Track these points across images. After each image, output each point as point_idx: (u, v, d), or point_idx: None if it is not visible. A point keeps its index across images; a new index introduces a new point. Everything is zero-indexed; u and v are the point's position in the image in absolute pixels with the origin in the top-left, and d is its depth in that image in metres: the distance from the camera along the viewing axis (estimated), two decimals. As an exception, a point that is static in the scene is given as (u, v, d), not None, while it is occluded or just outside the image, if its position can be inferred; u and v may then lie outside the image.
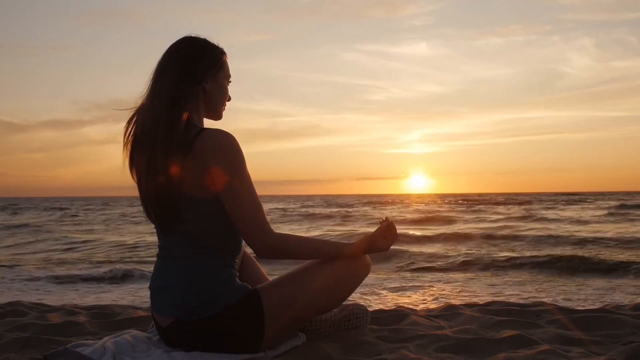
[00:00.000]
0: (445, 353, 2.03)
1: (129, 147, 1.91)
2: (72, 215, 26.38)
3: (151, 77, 1.89)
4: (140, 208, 1.94)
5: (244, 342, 1.89)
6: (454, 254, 8.76)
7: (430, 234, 12.55)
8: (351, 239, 8.77)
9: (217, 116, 2.01)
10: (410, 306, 3.72)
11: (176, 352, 1.90)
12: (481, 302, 3.38)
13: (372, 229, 2.10)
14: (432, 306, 4.03)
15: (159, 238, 1.95)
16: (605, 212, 21.26)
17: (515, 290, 5.55)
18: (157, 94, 1.84)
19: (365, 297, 4.99)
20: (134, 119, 1.92)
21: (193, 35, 1.95)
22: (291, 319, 1.96)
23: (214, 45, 1.95)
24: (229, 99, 2.02)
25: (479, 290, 5.60)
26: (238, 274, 1.99)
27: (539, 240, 10.86)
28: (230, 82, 2.01)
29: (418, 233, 12.99)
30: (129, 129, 1.92)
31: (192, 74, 1.87)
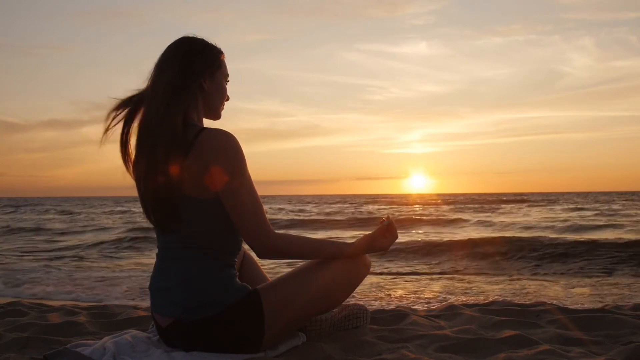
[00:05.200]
0: (445, 353, 2.03)
1: (127, 146, 1.91)
2: None
3: (149, 77, 1.89)
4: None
5: (244, 342, 1.89)
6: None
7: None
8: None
9: (216, 116, 2.01)
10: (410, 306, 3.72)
11: (176, 352, 1.90)
12: (481, 302, 3.38)
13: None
14: (432, 306, 4.03)
15: (158, 238, 1.95)
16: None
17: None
18: (156, 94, 1.84)
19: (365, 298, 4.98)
20: (132, 118, 1.92)
21: (190, 35, 1.94)
22: (291, 319, 1.96)
23: (212, 45, 1.95)
24: (228, 99, 2.02)
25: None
26: (238, 274, 1.99)
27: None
28: (228, 81, 2.01)
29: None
30: (125, 128, 1.91)
31: (191, 73, 1.86)
